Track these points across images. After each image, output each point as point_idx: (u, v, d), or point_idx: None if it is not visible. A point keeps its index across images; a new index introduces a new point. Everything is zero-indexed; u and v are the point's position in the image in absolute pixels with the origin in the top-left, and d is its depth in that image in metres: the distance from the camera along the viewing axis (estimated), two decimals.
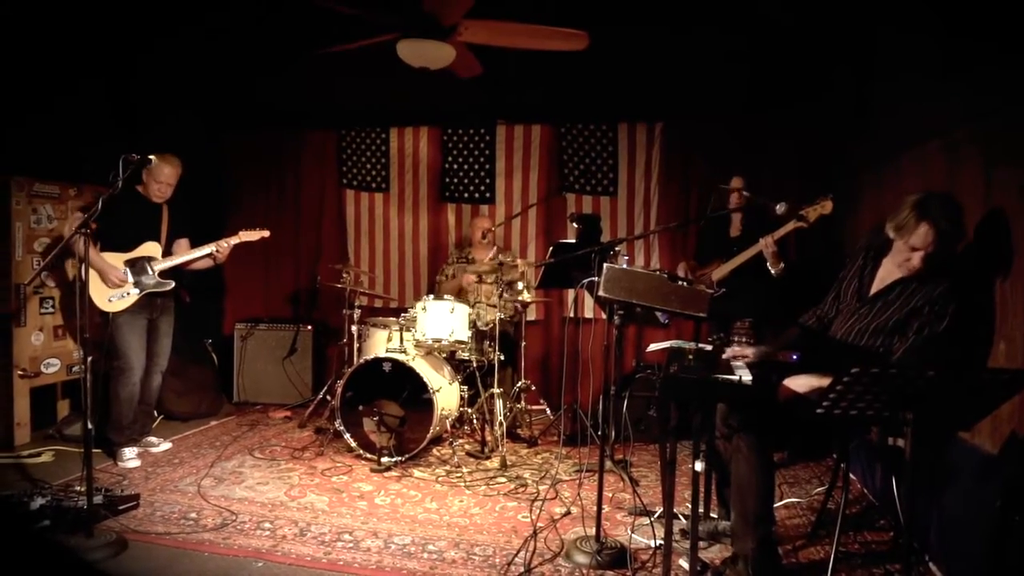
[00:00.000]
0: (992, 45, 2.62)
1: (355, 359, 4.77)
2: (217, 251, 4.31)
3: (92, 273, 4.06)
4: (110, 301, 4.11)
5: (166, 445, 4.49)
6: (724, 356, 2.80)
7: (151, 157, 3.39)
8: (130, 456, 4.16)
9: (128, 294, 4.14)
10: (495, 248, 5.38)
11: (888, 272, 2.70)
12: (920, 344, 2.51)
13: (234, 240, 4.41)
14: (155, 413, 4.77)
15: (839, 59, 4.52)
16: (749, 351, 2.81)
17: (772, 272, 3.90)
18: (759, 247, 3.87)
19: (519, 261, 4.80)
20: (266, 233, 4.54)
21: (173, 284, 4.28)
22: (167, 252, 4.32)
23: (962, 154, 2.92)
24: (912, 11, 3.38)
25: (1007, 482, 2.29)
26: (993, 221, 2.63)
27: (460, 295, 4.98)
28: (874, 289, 2.74)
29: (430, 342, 4.38)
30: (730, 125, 5.32)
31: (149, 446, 4.41)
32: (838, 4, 3.88)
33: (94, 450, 3.24)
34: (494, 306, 4.60)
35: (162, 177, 4.19)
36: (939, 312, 2.49)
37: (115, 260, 4.14)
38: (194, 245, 4.39)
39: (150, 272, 4.20)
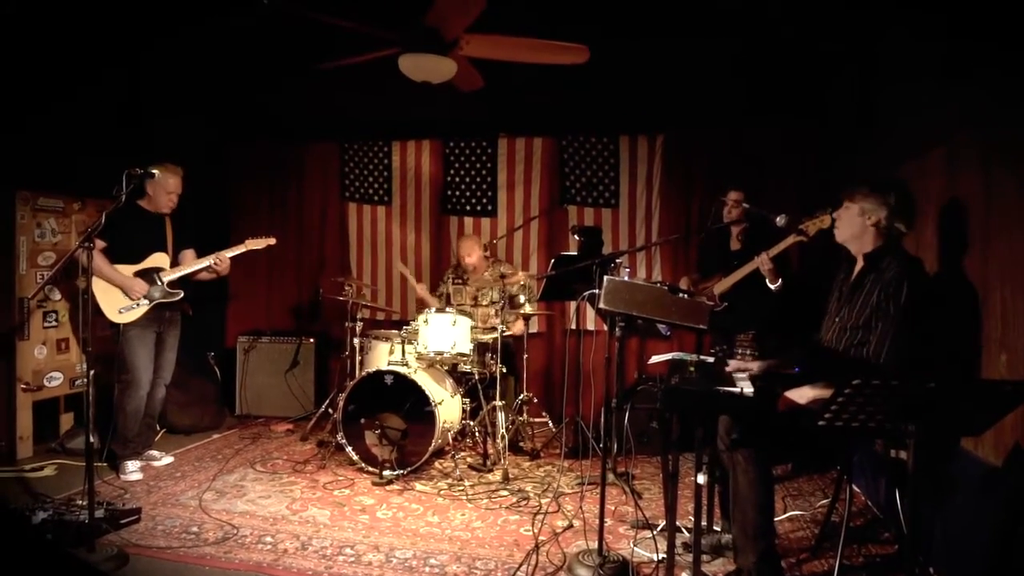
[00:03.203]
0: (993, 45, 2.63)
1: (357, 372, 4.77)
2: (216, 262, 4.32)
3: (104, 285, 4.08)
4: (120, 312, 4.12)
5: (168, 459, 4.49)
6: (728, 369, 2.80)
7: (153, 170, 3.41)
8: (132, 469, 4.15)
9: (139, 304, 4.15)
10: (492, 262, 5.35)
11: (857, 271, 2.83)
12: (886, 329, 2.60)
13: (241, 249, 4.42)
14: (157, 426, 4.77)
15: (839, 69, 4.53)
16: (753, 365, 2.81)
17: (771, 288, 3.89)
18: (756, 264, 3.86)
19: (520, 273, 4.79)
20: (272, 241, 4.56)
21: (182, 294, 4.30)
22: (174, 263, 4.34)
23: (962, 159, 2.93)
24: (914, 16, 3.39)
25: (1011, 494, 2.28)
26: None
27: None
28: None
29: (432, 355, 4.38)
30: (731, 137, 5.34)
31: (151, 459, 4.41)
32: (838, 14, 3.90)
33: (97, 463, 3.25)
34: (493, 328, 4.57)
35: (171, 187, 4.22)
36: (894, 294, 2.60)
37: (126, 272, 4.16)
38: (199, 256, 4.40)
39: (159, 283, 4.21)
